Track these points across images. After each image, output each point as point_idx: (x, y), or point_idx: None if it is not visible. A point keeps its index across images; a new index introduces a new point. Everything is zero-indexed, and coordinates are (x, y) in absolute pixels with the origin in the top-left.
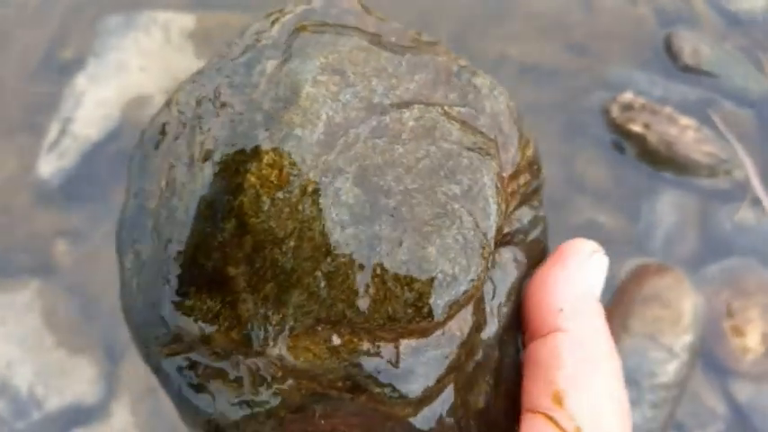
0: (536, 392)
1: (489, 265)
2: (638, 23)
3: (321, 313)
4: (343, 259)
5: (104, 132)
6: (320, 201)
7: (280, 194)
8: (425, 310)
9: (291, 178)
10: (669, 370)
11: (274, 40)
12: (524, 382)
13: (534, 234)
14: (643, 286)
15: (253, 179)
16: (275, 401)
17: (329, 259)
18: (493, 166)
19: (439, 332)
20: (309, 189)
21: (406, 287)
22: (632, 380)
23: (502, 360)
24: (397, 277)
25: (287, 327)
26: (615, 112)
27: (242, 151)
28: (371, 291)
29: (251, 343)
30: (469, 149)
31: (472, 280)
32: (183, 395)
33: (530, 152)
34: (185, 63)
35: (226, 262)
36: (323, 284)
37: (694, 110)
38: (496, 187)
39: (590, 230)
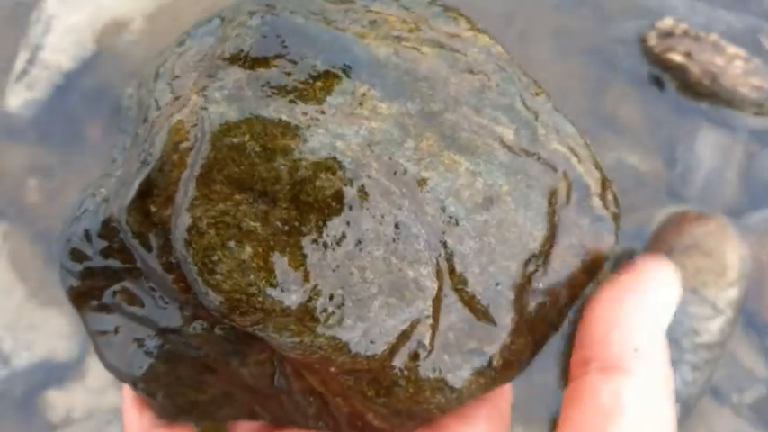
0: None
1: None
2: None
3: None
4: None
5: (77, 61)
6: None
7: None
8: None
9: None
10: (712, 328)
11: None
12: (571, 411)
13: None
14: (683, 234)
15: None
16: None
17: None
18: None
19: None
20: None
21: None
22: (671, 338)
23: None
24: None
25: None
26: (653, 40)
27: None
28: None
29: None
30: None
31: None
32: None
33: None
34: None
35: None
36: None
37: (742, 40)
38: None
39: (620, 173)
